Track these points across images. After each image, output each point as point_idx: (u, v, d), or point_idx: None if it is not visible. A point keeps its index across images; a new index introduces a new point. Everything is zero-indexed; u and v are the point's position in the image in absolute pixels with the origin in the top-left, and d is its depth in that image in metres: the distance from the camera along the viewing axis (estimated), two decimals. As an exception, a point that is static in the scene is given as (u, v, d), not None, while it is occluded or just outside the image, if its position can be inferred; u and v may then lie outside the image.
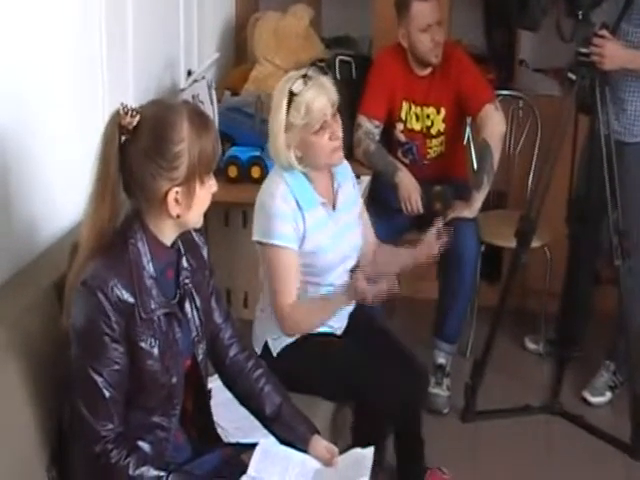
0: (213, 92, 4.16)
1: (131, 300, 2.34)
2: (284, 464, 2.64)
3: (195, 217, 2.44)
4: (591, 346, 4.55)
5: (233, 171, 4.08)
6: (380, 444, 3.30)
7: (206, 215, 2.49)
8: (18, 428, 2.40)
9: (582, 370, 4.48)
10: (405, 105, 4.40)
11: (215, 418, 2.70)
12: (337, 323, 3.41)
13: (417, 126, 4.43)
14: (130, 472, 2.34)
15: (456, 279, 4.22)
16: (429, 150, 4.48)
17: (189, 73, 4.28)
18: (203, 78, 4.18)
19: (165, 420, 2.47)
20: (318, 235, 3.26)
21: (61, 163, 3.03)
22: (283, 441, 2.71)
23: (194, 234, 2.60)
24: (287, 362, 3.26)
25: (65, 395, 2.43)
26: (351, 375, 3.23)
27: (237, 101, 4.52)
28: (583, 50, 3.83)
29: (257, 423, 2.76)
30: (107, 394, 2.32)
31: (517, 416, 4.23)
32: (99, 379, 2.32)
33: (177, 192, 2.35)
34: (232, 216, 4.34)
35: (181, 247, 2.52)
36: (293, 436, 2.71)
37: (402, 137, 4.45)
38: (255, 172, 4.08)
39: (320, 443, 2.72)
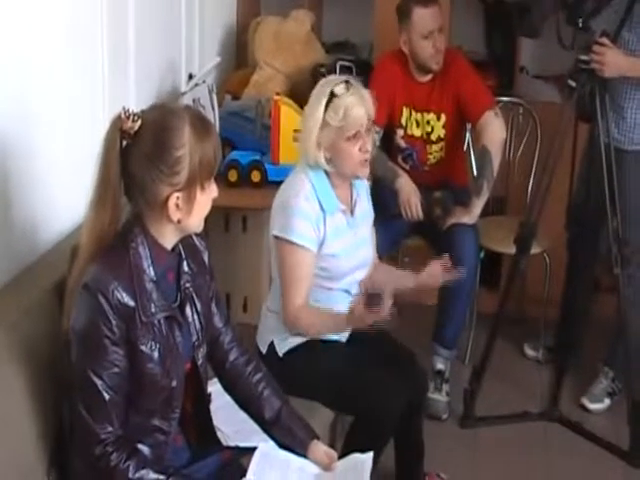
0: (214, 96, 4.16)
1: (132, 303, 2.34)
2: (283, 468, 2.65)
3: (196, 222, 2.44)
4: (590, 353, 4.56)
5: (233, 175, 4.08)
6: (377, 452, 3.30)
7: (206, 220, 2.49)
8: (18, 430, 2.40)
9: (581, 377, 4.48)
10: (405, 111, 4.40)
11: (215, 422, 2.70)
12: (342, 332, 3.41)
13: (417, 132, 4.44)
14: (130, 475, 2.34)
15: (455, 285, 4.21)
16: (429, 156, 4.49)
17: (190, 77, 4.29)
18: (204, 82, 4.19)
19: (165, 423, 2.47)
20: (336, 241, 3.27)
21: (62, 166, 3.04)
22: (282, 445, 2.71)
23: (195, 239, 2.60)
24: (292, 364, 3.27)
25: (65, 397, 2.44)
26: (352, 389, 3.23)
27: (238, 105, 4.53)
28: (583, 57, 3.84)
29: (256, 427, 2.76)
30: (107, 397, 2.33)
31: (516, 422, 4.23)
32: (99, 382, 2.32)
33: (178, 197, 2.36)
34: (232, 221, 4.34)
35: (182, 251, 2.52)
36: (292, 440, 2.71)
37: (402, 143, 4.46)
38: (255, 176, 4.09)
39: (319, 448, 2.72)
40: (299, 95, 4.57)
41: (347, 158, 3.22)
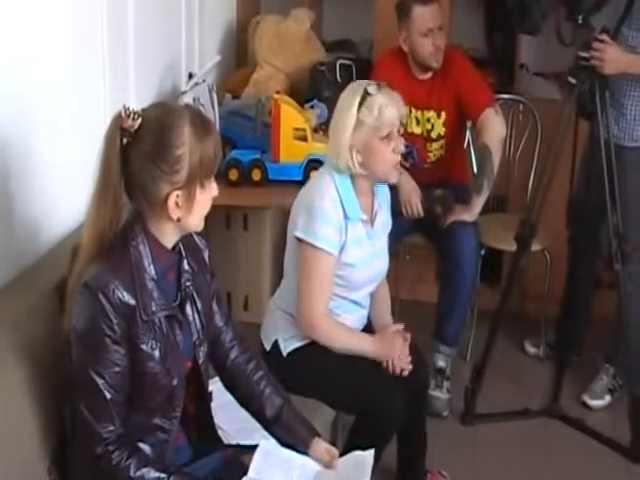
0: (214, 95, 4.16)
1: (132, 302, 2.34)
2: (285, 466, 2.65)
3: (196, 220, 2.44)
4: (591, 350, 4.57)
5: (234, 174, 4.08)
6: (379, 450, 3.31)
7: (207, 218, 2.49)
8: (19, 430, 2.40)
9: (582, 374, 4.48)
10: (405, 109, 4.40)
11: (216, 420, 2.70)
12: None
13: (417, 130, 4.44)
14: (131, 474, 2.35)
15: (456, 282, 4.22)
16: (429, 154, 4.49)
17: (190, 76, 4.29)
18: (204, 81, 4.19)
19: (166, 422, 2.48)
20: (356, 250, 3.26)
21: (62, 166, 3.04)
22: (284, 443, 2.71)
23: (195, 237, 2.60)
24: (295, 363, 3.28)
25: (66, 397, 2.44)
26: (354, 389, 3.24)
27: (238, 104, 4.53)
28: (583, 54, 3.83)
29: (258, 425, 2.77)
30: (108, 396, 2.33)
31: (517, 419, 4.24)
32: (100, 381, 2.32)
33: (178, 195, 2.36)
34: (233, 219, 4.35)
35: (182, 250, 2.52)
36: (294, 438, 2.71)
37: (402, 141, 4.45)
38: (256, 175, 4.09)
39: (321, 445, 2.72)
40: (299, 93, 4.59)
41: (380, 159, 3.20)
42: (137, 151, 2.34)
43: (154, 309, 2.39)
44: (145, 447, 2.45)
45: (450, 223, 4.23)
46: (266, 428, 2.75)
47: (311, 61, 4.83)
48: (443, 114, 4.40)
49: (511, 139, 4.88)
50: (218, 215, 4.23)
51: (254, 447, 2.67)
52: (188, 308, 2.52)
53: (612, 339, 4.36)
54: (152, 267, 2.40)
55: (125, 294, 2.33)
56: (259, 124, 4.33)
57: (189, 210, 2.39)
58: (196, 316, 2.54)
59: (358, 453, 2.73)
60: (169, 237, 2.44)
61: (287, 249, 3.34)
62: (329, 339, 3.25)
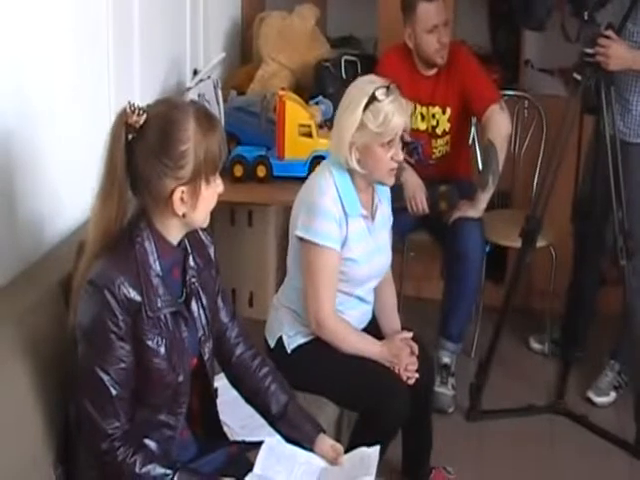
0: (219, 91, 4.17)
1: (138, 298, 2.34)
2: (290, 462, 2.65)
3: (201, 216, 2.44)
4: (596, 346, 4.56)
5: (239, 170, 4.08)
6: (383, 448, 3.31)
7: (212, 214, 2.49)
8: (25, 426, 2.41)
9: (587, 370, 4.48)
10: (410, 105, 4.39)
11: (221, 416, 2.71)
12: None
13: (422, 126, 4.43)
14: (136, 470, 2.35)
15: (461, 278, 4.22)
16: (434, 150, 4.49)
17: (195, 72, 4.29)
18: (209, 77, 4.20)
19: (171, 418, 2.48)
20: (357, 245, 3.26)
21: (67, 162, 3.04)
22: (289, 440, 2.71)
23: (201, 233, 2.60)
24: (300, 360, 3.27)
25: (71, 393, 2.44)
26: (359, 386, 3.23)
27: (243, 100, 4.53)
28: (588, 50, 3.83)
29: (263, 421, 2.77)
30: (114, 392, 2.33)
31: (522, 416, 4.23)
32: (106, 377, 2.32)
33: (183, 191, 2.36)
34: (238, 215, 4.35)
35: (188, 246, 2.52)
36: (299, 435, 2.71)
37: (407, 137, 4.45)
38: (261, 171, 4.09)
39: (326, 442, 2.72)
40: (304, 90, 4.59)
41: (378, 164, 3.19)
42: (142, 147, 2.34)
43: (159, 305, 2.39)
44: (151, 443, 2.45)
45: (455, 219, 4.23)
46: (271, 424, 2.75)
47: (316, 57, 4.83)
48: (448, 110, 4.40)
49: (516, 135, 4.88)
50: (223, 211, 4.23)
51: (259, 443, 2.67)
52: (194, 304, 2.52)
53: (617, 335, 4.37)
54: (157, 263, 2.40)
55: (131, 290, 2.33)
56: (264, 120, 4.32)
57: (194, 206, 2.38)
58: (201, 312, 2.54)
59: (363, 449, 2.74)
60: (174, 233, 2.44)
61: (289, 247, 3.34)
62: (337, 339, 3.25)
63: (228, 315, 2.72)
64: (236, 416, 2.89)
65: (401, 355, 3.29)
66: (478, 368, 4.23)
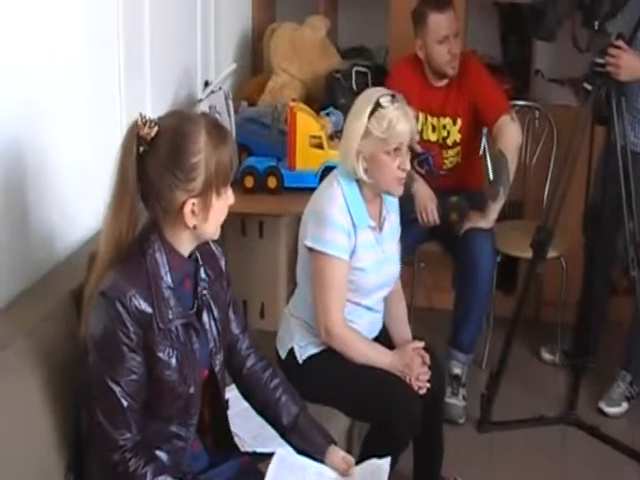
0: (230, 103, 4.17)
1: (149, 310, 2.35)
2: (301, 474, 2.65)
3: (212, 228, 2.45)
4: (607, 356, 4.55)
5: (250, 181, 4.08)
6: (394, 459, 3.31)
7: (223, 225, 2.50)
8: (37, 436, 2.41)
9: (598, 381, 4.47)
10: (421, 116, 4.40)
11: (232, 428, 2.71)
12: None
13: (433, 137, 4.44)
14: (148, 481, 2.36)
15: (472, 289, 4.22)
16: (445, 161, 4.49)
17: (206, 84, 4.30)
18: (220, 89, 4.20)
19: (183, 429, 2.48)
20: (365, 256, 3.26)
21: (79, 173, 3.05)
22: (300, 451, 2.72)
23: (212, 245, 2.61)
24: (311, 371, 3.27)
25: (83, 403, 2.44)
26: (370, 397, 3.23)
27: (254, 111, 4.54)
28: (599, 60, 3.83)
29: (274, 433, 2.77)
30: (125, 403, 2.34)
31: (533, 426, 4.23)
32: (117, 388, 2.33)
33: (194, 203, 2.36)
34: (249, 226, 4.35)
35: (199, 258, 2.53)
36: (310, 446, 2.71)
37: (418, 148, 4.44)
38: (271, 182, 4.09)
39: (337, 453, 2.72)
40: (315, 101, 4.60)
41: (385, 172, 3.19)
42: (153, 159, 2.34)
43: (171, 317, 2.39)
44: (162, 454, 2.46)
45: (466, 230, 4.23)
46: (282, 436, 2.75)
47: (326, 68, 4.84)
48: (459, 121, 4.40)
49: (527, 145, 4.88)
50: (234, 222, 4.23)
51: (270, 455, 2.67)
52: (205, 316, 2.53)
53: (629, 346, 4.36)
54: (169, 275, 2.40)
55: (142, 302, 2.34)
56: (275, 131, 4.33)
57: (205, 218, 2.39)
58: (213, 324, 2.55)
59: (374, 461, 2.74)
60: (185, 245, 2.45)
61: (299, 257, 3.35)
62: (347, 348, 3.25)
63: (239, 327, 2.72)
64: (247, 427, 2.90)
65: (412, 365, 3.29)
66: (489, 379, 4.23)
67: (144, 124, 2.34)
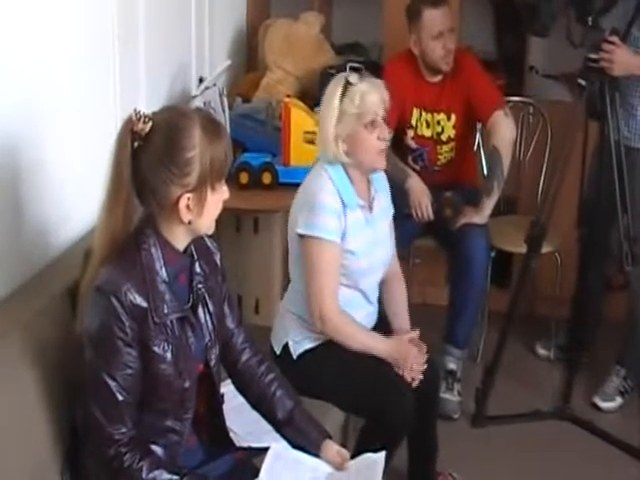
0: (224, 99, 4.17)
1: (144, 305, 2.35)
2: (296, 468, 2.65)
3: (207, 223, 2.46)
4: (601, 351, 4.57)
5: (244, 177, 4.09)
6: (389, 453, 3.31)
7: (217, 221, 2.50)
8: (32, 432, 2.41)
9: (592, 375, 4.49)
10: (416, 111, 4.41)
11: (227, 422, 2.71)
12: None
13: (427, 132, 4.44)
14: (143, 475, 2.36)
15: (466, 284, 4.23)
16: (439, 156, 4.50)
17: (201, 80, 4.30)
18: (214, 85, 4.21)
19: (178, 424, 2.48)
20: (356, 237, 3.27)
21: (73, 169, 3.05)
22: (295, 445, 2.72)
23: (207, 240, 2.61)
24: (305, 366, 3.28)
25: (78, 399, 2.45)
26: (365, 391, 3.23)
27: (248, 108, 4.54)
28: (593, 56, 3.84)
29: (269, 428, 2.77)
30: (120, 398, 2.34)
31: (527, 421, 4.23)
32: (112, 383, 2.33)
33: (189, 198, 2.37)
34: (243, 222, 4.35)
35: (194, 252, 2.53)
36: (305, 440, 2.71)
37: (412, 143, 4.46)
38: (266, 178, 4.10)
39: (332, 447, 2.72)
40: (309, 97, 4.59)
41: (366, 147, 3.22)
42: (148, 154, 2.35)
43: (166, 311, 2.40)
44: (157, 449, 2.46)
45: (460, 225, 4.24)
46: (277, 430, 2.75)
47: (321, 64, 4.84)
48: (453, 116, 4.41)
49: (521, 141, 4.89)
50: (229, 218, 4.23)
51: (265, 449, 2.67)
52: (200, 310, 2.53)
53: (623, 341, 4.37)
54: (164, 270, 2.41)
55: (137, 297, 2.34)
56: (269, 127, 4.34)
57: (200, 213, 2.40)
58: (208, 318, 2.55)
59: (369, 455, 2.74)
60: (180, 240, 2.46)
61: (290, 251, 3.35)
62: (341, 335, 3.25)
63: (234, 321, 2.73)
64: (242, 422, 2.90)
65: (408, 355, 3.29)
66: (484, 374, 4.23)
67: (138, 119, 2.34)
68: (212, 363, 2.58)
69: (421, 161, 4.48)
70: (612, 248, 4.14)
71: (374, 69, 4.71)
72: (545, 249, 4.29)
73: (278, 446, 2.70)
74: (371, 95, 3.18)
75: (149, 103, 3.55)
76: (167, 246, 2.43)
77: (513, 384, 4.48)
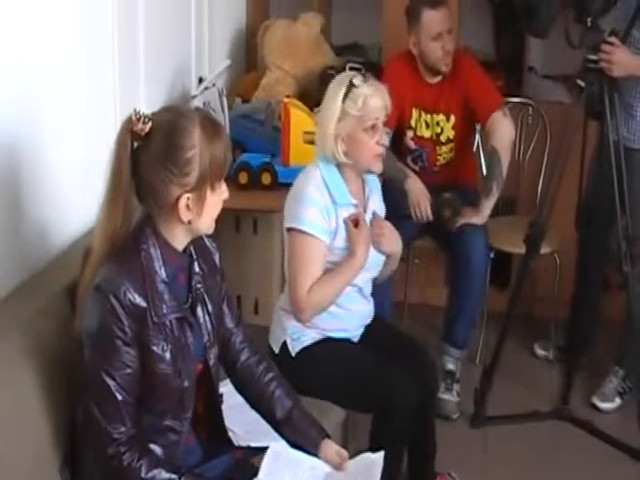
0: (224, 99, 4.18)
1: (143, 304, 2.36)
2: (294, 468, 2.66)
3: (206, 223, 2.46)
4: (600, 352, 4.57)
5: (243, 177, 4.09)
6: (398, 451, 3.32)
7: (217, 221, 2.50)
8: (32, 430, 2.42)
9: (591, 376, 4.49)
10: (415, 112, 4.42)
11: (226, 422, 2.71)
12: (355, 332, 3.43)
13: (427, 133, 4.45)
14: (142, 475, 2.36)
15: (465, 285, 4.23)
16: (439, 157, 4.50)
17: (200, 80, 4.30)
18: (214, 85, 4.21)
19: (177, 423, 2.49)
20: (345, 236, 3.27)
21: (73, 169, 3.06)
22: (294, 445, 2.72)
23: (206, 240, 2.62)
24: (304, 364, 3.28)
25: (78, 398, 2.45)
26: (364, 385, 3.24)
27: (248, 108, 4.55)
28: (592, 57, 3.84)
29: (268, 427, 2.77)
30: (119, 397, 2.34)
31: (526, 422, 4.24)
32: (111, 382, 2.34)
33: (188, 198, 2.37)
34: (243, 222, 4.36)
35: (193, 252, 2.54)
36: (304, 440, 2.72)
37: (412, 144, 4.47)
38: (265, 178, 4.10)
39: (331, 447, 2.72)
40: (309, 97, 4.60)
41: (364, 150, 3.23)
42: (148, 154, 2.35)
43: (165, 311, 2.40)
44: (156, 448, 2.46)
45: (459, 226, 4.24)
46: (276, 429, 2.76)
47: (320, 65, 4.85)
48: (452, 117, 4.41)
49: (520, 142, 4.89)
50: (228, 219, 4.24)
51: (264, 449, 2.68)
52: (199, 310, 2.53)
53: (622, 341, 4.37)
54: (163, 269, 2.41)
55: (136, 296, 2.34)
56: (269, 128, 4.34)
57: (199, 213, 2.40)
58: (207, 318, 2.55)
59: (368, 455, 2.74)
60: (180, 240, 2.46)
61: (285, 250, 3.36)
62: (321, 305, 3.24)
63: (233, 321, 2.73)
64: (241, 421, 2.90)
65: (360, 236, 3.25)
66: (482, 374, 4.23)
67: (138, 119, 2.34)
68: (211, 363, 2.58)
69: (420, 162, 4.48)
70: (611, 248, 4.15)
71: (373, 70, 4.73)
72: (544, 250, 4.30)
73: (277, 446, 2.70)
74: (374, 100, 3.19)
75: (149, 103, 3.55)
76: (166, 246, 2.43)
77: (512, 385, 4.48)
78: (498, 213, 4.67)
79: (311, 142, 4.06)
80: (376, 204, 3.43)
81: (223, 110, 4.16)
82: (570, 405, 4.31)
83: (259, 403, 2.76)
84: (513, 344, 4.57)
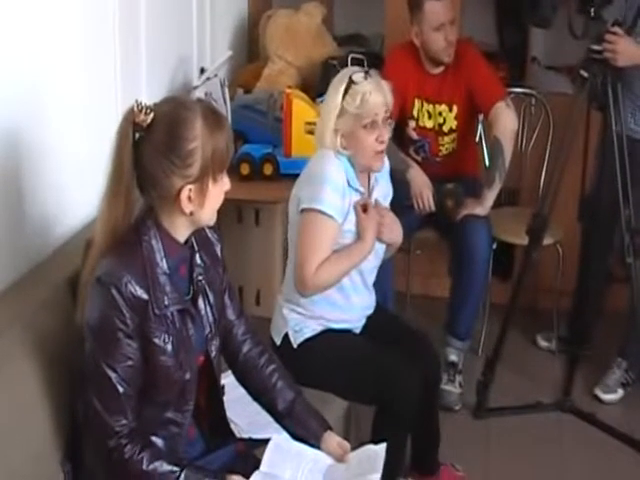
0: (226, 90, 4.17)
1: (145, 296, 2.35)
2: (297, 460, 2.65)
3: (208, 214, 2.45)
4: (603, 343, 4.56)
5: (245, 168, 4.09)
6: (401, 443, 3.31)
7: (219, 212, 2.50)
8: (33, 423, 2.41)
9: (594, 367, 4.48)
10: (417, 103, 4.40)
11: (228, 414, 2.71)
12: (357, 323, 3.42)
13: (429, 123, 4.44)
14: (144, 467, 2.35)
15: (468, 276, 4.23)
16: (441, 147, 4.49)
17: (202, 71, 4.30)
18: (216, 76, 4.20)
19: (178, 416, 2.48)
20: (355, 219, 3.27)
21: (75, 160, 3.05)
22: (296, 437, 2.71)
23: (208, 231, 2.61)
24: (306, 355, 3.28)
25: (79, 390, 2.45)
26: (367, 376, 3.23)
27: (250, 99, 4.54)
28: (595, 47, 3.83)
29: (270, 419, 2.77)
30: (121, 389, 2.34)
31: (529, 413, 4.24)
32: (113, 375, 2.33)
33: (190, 189, 2.36)
34: (245, 214, 4.36)
35: (195, 244, 2.53)
36: (306, 432, 2.71)
37: (414, 134, 4.46)
38: (267, 169, 4.09)
39: (333, 439, 2.72)
40: (311, 88, 4.59)
41: (363, 147, 3.22)
42: (149, 145, 2.34)
43: (166, 303, 2.39)
44: (158, 440, 2.46)
45: (462, 217, 4.23)
46: (278, 421, 2.75)
47: (322, 55, 4.84)
48: (455, 108, 4.40)
49: (523, 133, 4.88)
50: (230, 210, 4.24)
51: (266, 441, 2.66)
52: (200, 302, 2.53)
53: (625, 333, 4.36)
54: (164, 261, 2.40)
55: (138, 288, 2.34)
56: (271, 118, 4.33)
57: (201, 204, 2.39)
58: (208, 310, 2.55)
59: (370, 447, 2.73)
60: (181, 231, 2.45)
61: (289, 240, 3.35)
62: (325, 284, 3.23)
63: (235, 313, 2.72)
64: (243, 413, 2.90)
65: (369, 223, 3.26)
66: (485, 365, 4.23)
67: (140, 111, 2.33)
68: (213, 355, 2.57)
69: (423, 152, 4.47)
70: (614, 240, 4.14)
71: (375, 60, 4.74)
72: (547, 241, 4.29)
73: (279, 437, 2.69)
74: (373, 97, 3.17)
75: (150, 94, 3.54)
76: (168, 237, 2.42)
77: (514, 376, 4.48)
78: (501, 204, 4.66)
79: (313, 132, 4.06)
80: (382, 190, 3.42)
81: (225, 101, 4.15)
82: (572, 396, 4.30)
83: (261, 395, 2.76)
84: (516, 335, 4.57)
